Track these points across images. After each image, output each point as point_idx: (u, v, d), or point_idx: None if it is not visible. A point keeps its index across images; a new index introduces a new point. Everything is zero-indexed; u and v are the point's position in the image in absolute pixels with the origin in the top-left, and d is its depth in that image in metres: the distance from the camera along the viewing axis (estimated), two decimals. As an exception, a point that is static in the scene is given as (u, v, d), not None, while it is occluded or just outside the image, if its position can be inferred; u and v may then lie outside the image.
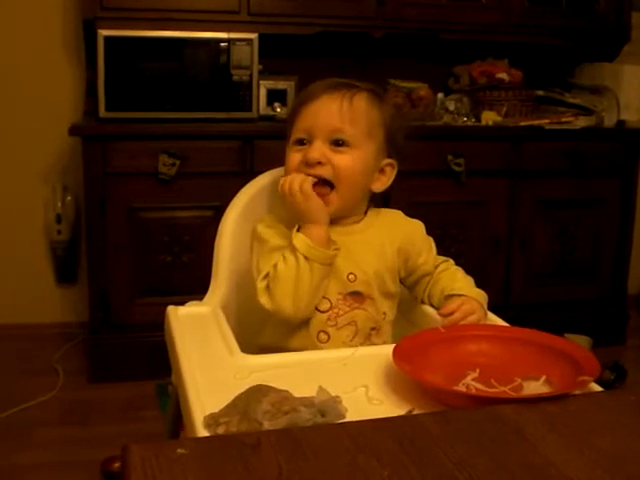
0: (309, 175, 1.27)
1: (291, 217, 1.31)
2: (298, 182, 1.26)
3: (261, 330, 1.37)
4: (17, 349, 2.91)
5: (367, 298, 1.33)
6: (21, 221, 3.04)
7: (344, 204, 1.31)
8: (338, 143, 1.28)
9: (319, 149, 1.28)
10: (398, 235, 1.38)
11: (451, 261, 1.45)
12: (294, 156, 1.31)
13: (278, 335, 1.32)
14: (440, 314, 1.29)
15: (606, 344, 2.93)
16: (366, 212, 1.39)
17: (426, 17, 2.95)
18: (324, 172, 1.28)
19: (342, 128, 1.28)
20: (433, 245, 1.43)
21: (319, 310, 1.30)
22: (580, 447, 0.80)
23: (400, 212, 1.45)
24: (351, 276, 1.31)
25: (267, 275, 1.26)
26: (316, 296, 1.27)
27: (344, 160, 1.28)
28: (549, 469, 0.75)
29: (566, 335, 2.60)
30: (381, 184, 1.36)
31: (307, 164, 1.28)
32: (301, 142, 1.31)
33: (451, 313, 1.27)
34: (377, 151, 1.33)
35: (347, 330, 1.31)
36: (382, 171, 1.35)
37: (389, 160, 1.35)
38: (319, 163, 1.27)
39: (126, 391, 2.59)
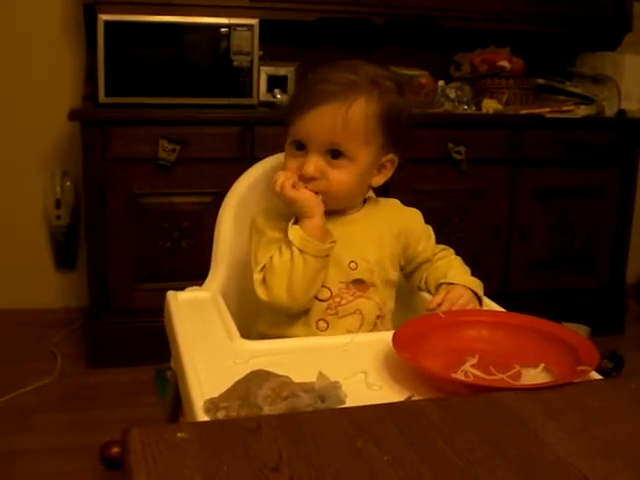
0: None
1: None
2: (280, 183, 1.25)
3: (259, 317, 1.37)
4: (16, 334, 2.92)
5: (370, 286, 1.32)
6: (20, 206, 3.04)
7: (337, 206, 1.31)
8: (335, 154, 1.26)
9: (315, 163, 1.26)
10: (397, 223, 1.38)
11: (450, 250, 1.45)
12: (291, 162, 1.29)
13: (276, 323, 1.31)
14: (428, 309, 1.29)
15: (604, 333, 2.93)
16: (365, 201, 1.39)
17: (428, 4, 2.94)
18: (319, 187, 1.26)
19: (338, 142, 1.25)
20: (432, 233, 1.43)
21: (318, 299, 1.29)
22: (580, 435, 0.80)
23: (397, 201, 1.44)
24: (352, 264, 1.31)
25: (264, 267, 1.26)
26: (312, 288, 1.26)
27: (340, 176, 1.27)
28: (549, 456, 0.76)
29: (564, 324, 2.59)
30: (380, 179, 1.35)
31: (302, 177, 1.26)
32: (299, 145, 1.28)
33: (439, 304, 1.28)
34: (376, 154, 1.30)
35: (352, 319, 1.31)
36: (382, 166, 1.34)
37: (389, 156, 1.33)
38: (314, 178, 1.26)
39: (125, 376, 2.59)
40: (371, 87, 1.27)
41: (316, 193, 1.26)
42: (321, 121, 1.25)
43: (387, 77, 1.31)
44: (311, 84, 1.30)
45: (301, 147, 1.28)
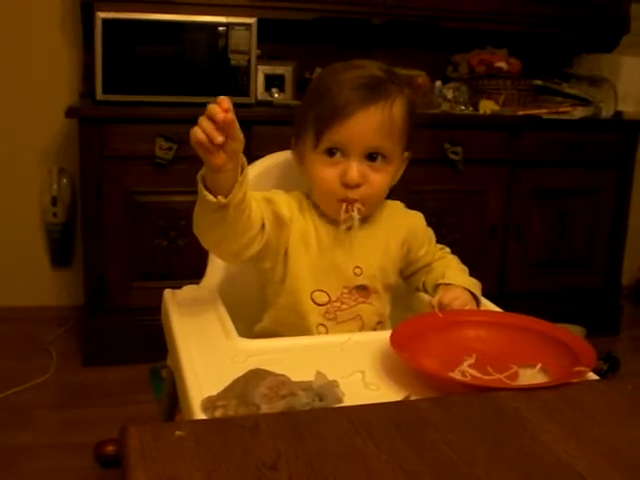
0: (348, 198, 1.24)
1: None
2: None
3: (258, 319, 1.36)
4: (11, 332, 2.90)
5: (373, 292, 1.32)
6: (16, 203, 3.03)
7: (373, 210, 1.32)
8: (373, 157, 1.25)
9: (359, 170, 1.23)
10: (402, 228, 1.38)
11: (447, 249, 1.45)
12: (328, 172, 1.25)
13: (275, 327, 1.31)
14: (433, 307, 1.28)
15: (600, 335, 2.93)
16: None
17: (426, 5, 2.94)
18: (362, 193, 1.25)
19: (381, 145, 1.24)
20: (433, 236, 1.43)
21: (316, 303, 1.29)
22: (578, 435, 0.80)
23: (400, 203, 1.43)
24: (357, 270, 1.31)
25: None
26: (217, 236, 1.25)
27: (379, 179, 1.26)
28: (547, 456, 0.76)
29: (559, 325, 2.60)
30: (398, 176, 1.34)
31: (346, 185, 1.24)
32: (331, 152, 1.25)
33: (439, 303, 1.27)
34: (402, 151, 1.30)
35: (351, 325, 1.30)
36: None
37: (407, 153, 1.33)
38: (358, 185, 1.24)
39: (120, 375, 2.59)
40: (395, 85, 1.26)
41: (355, 201, 1.25)
42: (367, 125, 1.22)
43: (399, 74, 1.30)
44: (337, 88, 1.23)
45: (332, 153, 1.25)
